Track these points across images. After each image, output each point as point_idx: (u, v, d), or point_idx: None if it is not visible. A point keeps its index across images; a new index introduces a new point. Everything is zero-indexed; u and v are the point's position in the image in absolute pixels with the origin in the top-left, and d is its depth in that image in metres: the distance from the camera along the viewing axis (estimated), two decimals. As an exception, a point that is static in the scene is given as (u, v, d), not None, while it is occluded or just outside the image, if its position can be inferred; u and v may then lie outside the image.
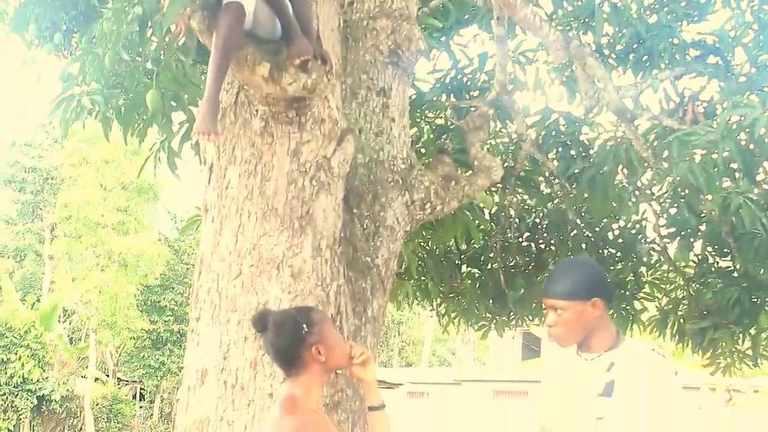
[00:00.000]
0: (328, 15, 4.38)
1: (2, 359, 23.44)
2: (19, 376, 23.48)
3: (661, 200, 7.18)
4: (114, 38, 5.42)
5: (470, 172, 5.30)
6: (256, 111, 4.03)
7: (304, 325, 3.20)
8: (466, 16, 7.53)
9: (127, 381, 30.91)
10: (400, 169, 4.86)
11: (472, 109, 6.22)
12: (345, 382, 4.21)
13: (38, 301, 28.42)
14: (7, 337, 23.53)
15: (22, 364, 23.49)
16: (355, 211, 4.66)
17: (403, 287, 7.86)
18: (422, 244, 7.65)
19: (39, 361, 23.99)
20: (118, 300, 26.85)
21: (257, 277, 4.09)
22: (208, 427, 4.06)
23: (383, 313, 4.72)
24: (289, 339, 3.19)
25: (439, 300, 8.22)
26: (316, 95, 3.93)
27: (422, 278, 7.92)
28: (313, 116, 4.03)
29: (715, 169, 5.20)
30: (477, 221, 6.92)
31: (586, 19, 7.01)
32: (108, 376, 29.76)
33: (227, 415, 4.03)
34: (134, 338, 29.26)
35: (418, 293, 8.08)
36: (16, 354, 23.51)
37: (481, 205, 6.88)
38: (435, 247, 7.78)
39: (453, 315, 8.26)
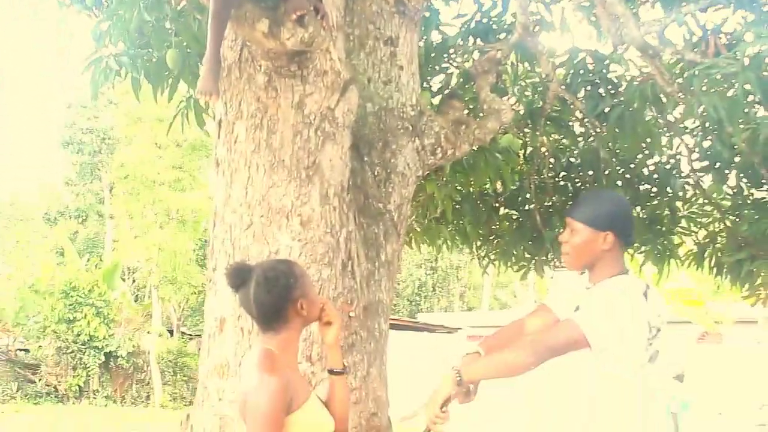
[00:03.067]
0: (329, -31, 4.41)
1: (69, 318, 23.96)
2: (86, 334, 23.94)
3: (694, 134, 7.13)
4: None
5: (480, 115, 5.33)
6: (260, 66, 4.11)
7: (291, 279, 3.10)
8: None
9: (191, 335, 31.34)
10: (410, 116, 4.91)
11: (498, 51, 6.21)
12: (359, 324, 4.33)
13: (101, 260, 28.94)
14: (72, 296, 24.01)
15: (88, 322, 23.94)
16: (365, 159, 4.74)
17: (440, 232, 7.93)
18: (457, 188, 7.68)
19: (104, 319, 24.47)
20: (177, 256, 27.10)
21: (267, 227, 4.20)
22: (228, 371, 4.21)
23: (398, 257, 4.80)
24: (277, 293, 3.06)
25: (478, 243, 8.25)
26: (316, 48, 4.00)
27: (460, 222, 7.96)
28: (315, 69, 4.10)
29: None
30: (509, 163, 6.94)
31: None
32: (172, 330, 30.21)
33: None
34: (196, 293, 29.55)
35: (457, 237, 8.12)
36: (82, 312, 24.01)
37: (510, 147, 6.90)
38: (470, 191, 7.79)
39: (492, 257, 8.30)
